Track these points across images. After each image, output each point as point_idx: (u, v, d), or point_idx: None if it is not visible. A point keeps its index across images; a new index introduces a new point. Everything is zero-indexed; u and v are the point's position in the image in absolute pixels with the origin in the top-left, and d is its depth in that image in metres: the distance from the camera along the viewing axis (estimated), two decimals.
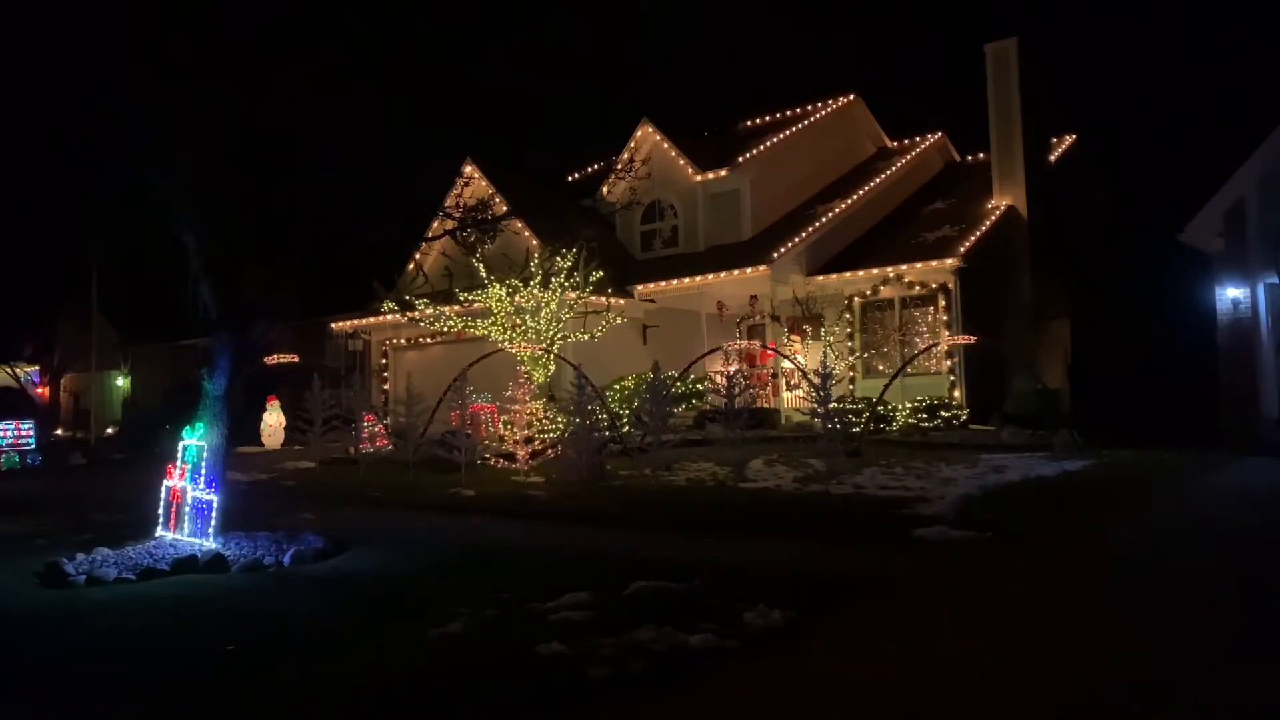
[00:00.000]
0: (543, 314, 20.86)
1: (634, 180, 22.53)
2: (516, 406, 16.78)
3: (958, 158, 28.06)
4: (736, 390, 15.61)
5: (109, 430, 31.36)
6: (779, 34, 70.13)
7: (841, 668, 5.33)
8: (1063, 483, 12.12)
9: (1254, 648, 5.48)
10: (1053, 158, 24.35)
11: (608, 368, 20.32)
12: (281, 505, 12.49)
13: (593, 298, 21.30)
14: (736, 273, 21.53)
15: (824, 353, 21.12)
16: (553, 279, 20.68)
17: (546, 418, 18.79)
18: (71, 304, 33.15)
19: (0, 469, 20.86)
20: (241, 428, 16.37)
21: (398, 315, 22.56)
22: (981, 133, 23.52)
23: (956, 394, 19.96)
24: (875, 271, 21.61)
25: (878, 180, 24.98)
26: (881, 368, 21.37)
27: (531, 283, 20.72)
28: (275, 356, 26.65)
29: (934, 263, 20.73)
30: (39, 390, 37.39)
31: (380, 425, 18.99)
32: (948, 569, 7.75)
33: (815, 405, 16.18)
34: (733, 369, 21.01)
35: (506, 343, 20.87)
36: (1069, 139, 25.59)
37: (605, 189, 24.87)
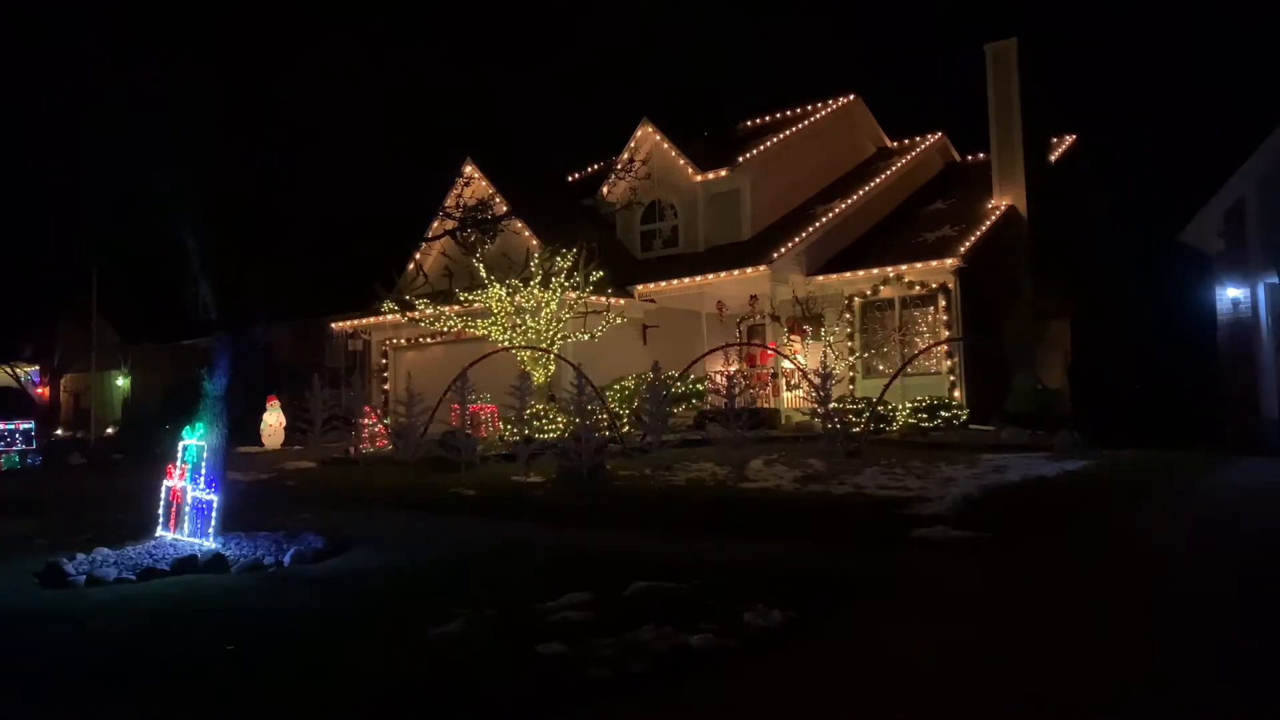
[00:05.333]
0: (543, 314, 20.86)
1: (634, 180, 22.55)
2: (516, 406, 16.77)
3: (958, 158, 28.06)
4: (736, 390, 15.61)
5: (109, 430, 31.37)
6: (779, 34, 70.13)
7: (842, 668, 5.33)
8: (1063, 483, 12.12)
9: (1253, 647, 5.47)
10: (1053, 158, 24.36)
11: (608, 368, 20.32)
12: (281, 505, 12.48)
13: (592, 298, 21.30)
14: (736, 273, 21.53)
15: (824, 353, 21.14)
16: (553, 279, 20.68)
17: (546, 418, 18.80)
18: (71, 304, 33.15)
19: (0, 469, 20.85)
20: (241, 428, 16.38)
21: (398, 315, 22.57)
22: (981, 133, 23.57)
23: (956, 394, 19.96)
24: (875, 271, 21.61)
25: (878, 180, 24.98)
26: (881, 368, 21.37)
27: (531, 283, 20.72)
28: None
29: (934, 263, 20.73)
30: (39, 390, 37.39)
31: (380, 425, 19.00)
32: (948, 569, 7.75)
33: (815, 405, 16.20)
34: (733, 369, 21.04)
35: (506, 342, 20.88)
36: (1069, 139, 25.59)
37: (605, 189, 24.88)
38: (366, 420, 18.80)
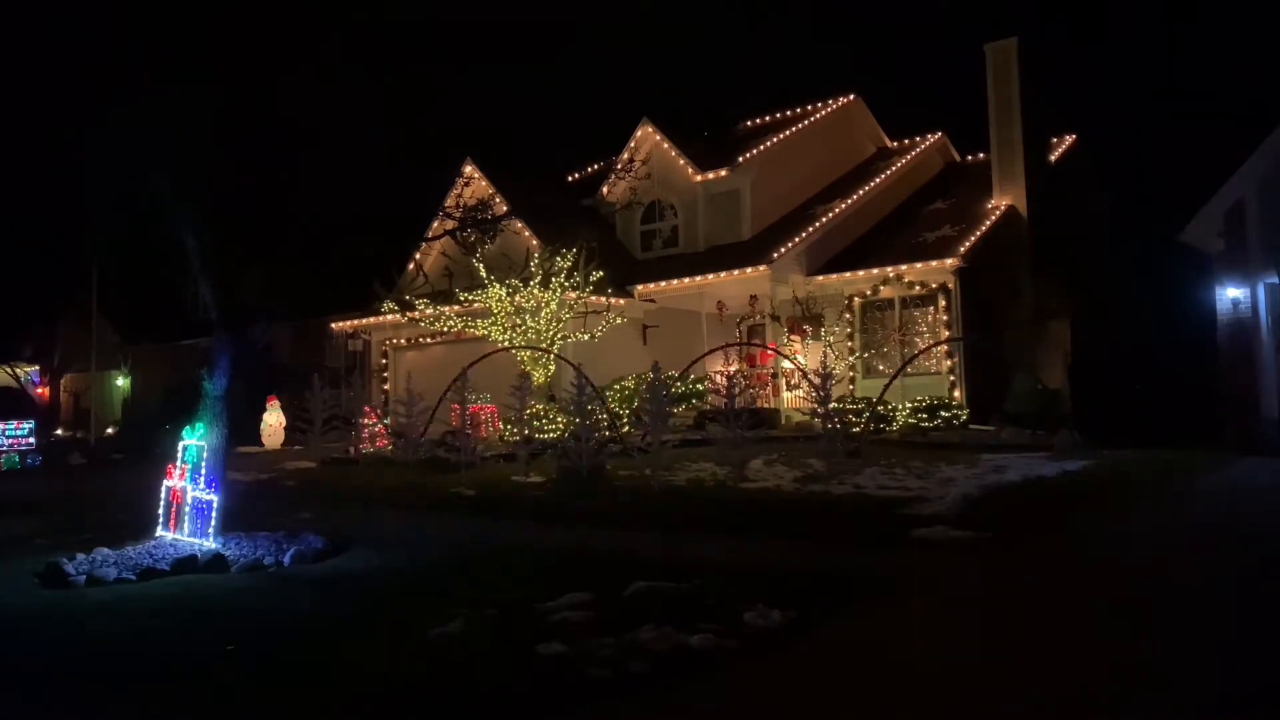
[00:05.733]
0: (543, 314, 20.86)
1: (634, 180, 22.55)
2: (516, 406, 16.77)
3: (958, 158, 28.05)
4: (736, 390, 15.61)
5: (109, 430, 31.38)
6: (779, 34, 70.16)
7: (842, 668, 5.33)
8: (1063, 483, 12.12)
9: (1254, 647, 5.48)
10: (1053, 158, 24.35)
11: (608, 368, 20.31)
12: (281, 505, 12.49)
13: (592, 298, 21.29)
14: (736, 273, 21.52)
15: (824, 353, 21.13)
16: (553, 279, 20.68)
17: (546, 418, 18.80)
18: (71, 304, 33.15)
19: (0, 469, 20.85)
20: (241, 428, 16.37)
21: (398, 315, 22.57)
22: (981, 133, 23.53)
23: (956, 394, 19.96)
24: (875, 271, 21.60)
25: (878, 180, 24.97)
26: (881, 368, 21.37)
27: (531, 283, 20.72)
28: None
29: (934, 263, 20.73)
30: (39, 390, 37.39)
31: (380, 425, 19.01)
32: (948, 569, 7.75)
33: (815, 405, 16.20)
34: (733, 369, 21.04)
35: (506, 342, 20.88)
36: (1069, 139, 25.59)
37: (605, 189, 24.88)
38: (366, 420, 18.81)
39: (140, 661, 5.82)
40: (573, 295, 20.83)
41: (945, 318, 20.65)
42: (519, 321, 21.00)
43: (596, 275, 20.94)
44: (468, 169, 21.43)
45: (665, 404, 14.95)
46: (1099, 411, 17.32)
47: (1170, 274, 20.57)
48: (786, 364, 20.78)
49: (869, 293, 21.80)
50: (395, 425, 17.69)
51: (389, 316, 23.27)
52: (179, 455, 9.56)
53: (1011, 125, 22.46)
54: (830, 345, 21.54)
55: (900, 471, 13.17)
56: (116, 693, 5.31)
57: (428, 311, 21.92)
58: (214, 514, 9.15)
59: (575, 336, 21.16)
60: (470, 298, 21.31)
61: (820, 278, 22.28)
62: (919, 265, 20.96)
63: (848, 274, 22.03)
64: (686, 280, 22.37)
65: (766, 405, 21.62)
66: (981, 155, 25.45)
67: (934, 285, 20.87)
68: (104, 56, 9.38)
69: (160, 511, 9.71)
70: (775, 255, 21.35)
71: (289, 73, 9.75)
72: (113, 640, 6.39)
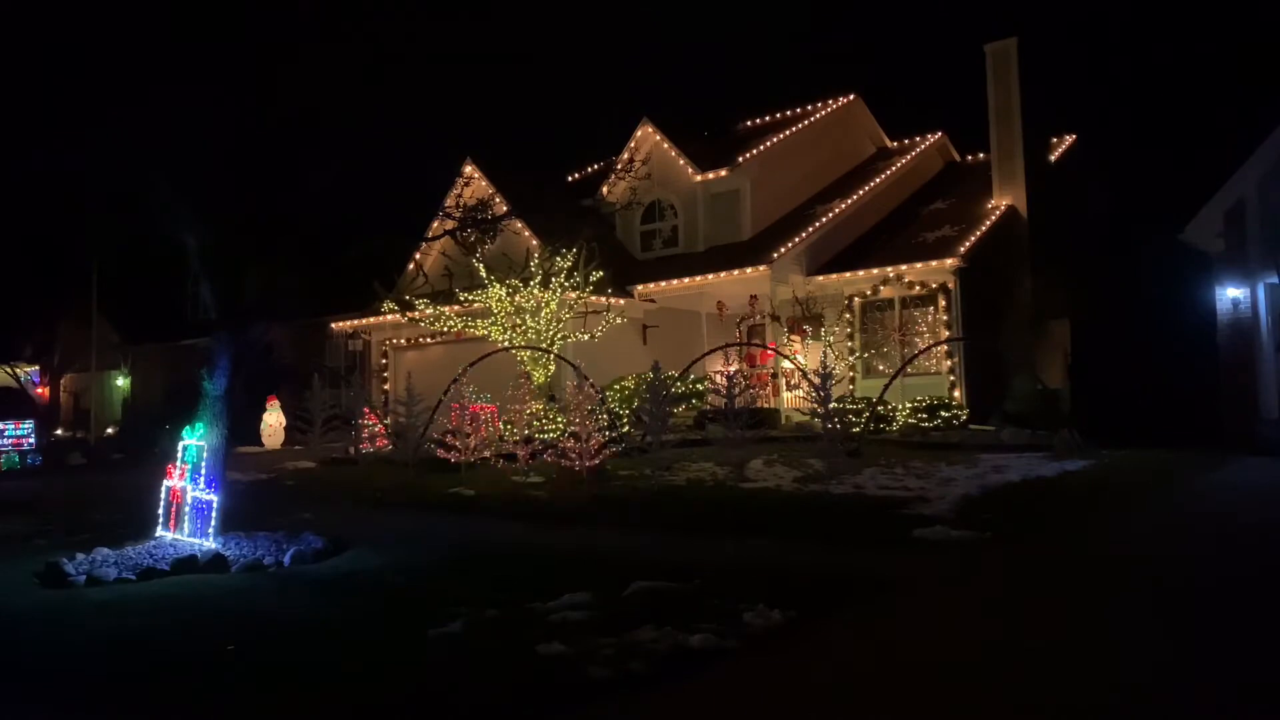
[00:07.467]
0: (543, 314, 20.86)
1: (634, 180, 22.53)
2: (516, 406, 16.79)
3: (958, 158, 28.05)
4: (736, 390, 15.61)
5: (109, 430, 31.37)
6: (779, 34, 70.15)
7: (841, 668, 5.33)
8: (1063, 483, 12.12)
9: (1249, 651, 5.47)
10: (1053, 158, 24.35)
11: (608, 368, 20.31)
12: (281, 505, 12.49)
13: (593, 298, 21.29)
14: (736, 273, 21.52)
15: (824, 353, 21.12)
16: (553, 279, 20.68)
17: (546, 418, 18.79)
18: (71, 304, 33.12)
19: (0, 469, 20.85)
20: (241, 428, 16.37)
21: (398, 315, 22.57)
22: (981, 133, 23.53)
23: (956, 394, 19.95)
24: (875, 271, 21.60)
25: (878, 180, 24.97)
26: (881, 368, 21.36)
27: (531, 283, 20.72)
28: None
29: (934, 263, 20.73)
30: (39, 390, 37.36)
31: (380, 425, 19.02)
32: (947, 569, 7.75)
33: (815, 405, 16.20)
34: (733, 369, 21.04)
35: (506, 342, 20.88)
36: (1069, 139, 25.58)
37: (605, 189, 24.87)
38: (366, 420, 18.82)
39: (140, 661, 5.82)
40: (573, 295, 20.82)
41: (945, 318, 20.65)
42: (519, 321, 20.99)
43: (596, 275, 20.93)
44: (468, 169, 21.43)
45: (665, 404, 14.97)
46: (1099, 411, 17.32)
47: (1170, 274, 20.56)
48: (786, 364, 20.78)
49: (869, 293, 21.79)
50: (395, 425, 17.70)
51: (389, 317, 23.27)
52: (179, 455, 9.56)
53: (1011, 125, 22.47)
54: (830, 345, 21.53)
55: (900, 471, 13.17)
56: (116, 693, 5.31)
57: (427, 311, 21.92)
58: (214, 514, 9.15)
59: (575, 336, 21.16)
60: (470, 298, 21.31)
61: (820, 278, 22.28)
62: (919, 265, 20.95)
63: (848, 274, 22.02)
64: (686, 280, 22.37)
65: (766, 405, 21.61)
66: (981, 155, 25.45)
67: (934, 285, 20.87)
68: (103, 56, 9.38)
69: (160, 511, 9.71)
70: (775, 255, 21.34)
71: (290, 74, 9.75)
72: (113, 640, 6.39)
